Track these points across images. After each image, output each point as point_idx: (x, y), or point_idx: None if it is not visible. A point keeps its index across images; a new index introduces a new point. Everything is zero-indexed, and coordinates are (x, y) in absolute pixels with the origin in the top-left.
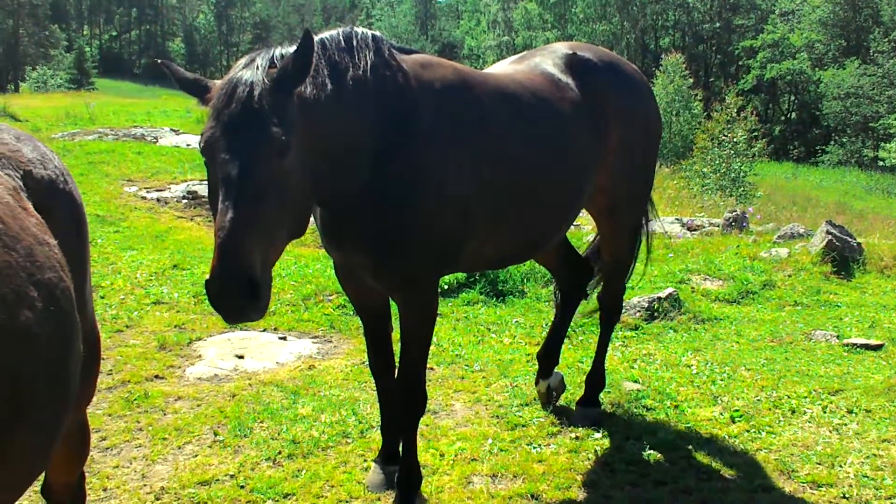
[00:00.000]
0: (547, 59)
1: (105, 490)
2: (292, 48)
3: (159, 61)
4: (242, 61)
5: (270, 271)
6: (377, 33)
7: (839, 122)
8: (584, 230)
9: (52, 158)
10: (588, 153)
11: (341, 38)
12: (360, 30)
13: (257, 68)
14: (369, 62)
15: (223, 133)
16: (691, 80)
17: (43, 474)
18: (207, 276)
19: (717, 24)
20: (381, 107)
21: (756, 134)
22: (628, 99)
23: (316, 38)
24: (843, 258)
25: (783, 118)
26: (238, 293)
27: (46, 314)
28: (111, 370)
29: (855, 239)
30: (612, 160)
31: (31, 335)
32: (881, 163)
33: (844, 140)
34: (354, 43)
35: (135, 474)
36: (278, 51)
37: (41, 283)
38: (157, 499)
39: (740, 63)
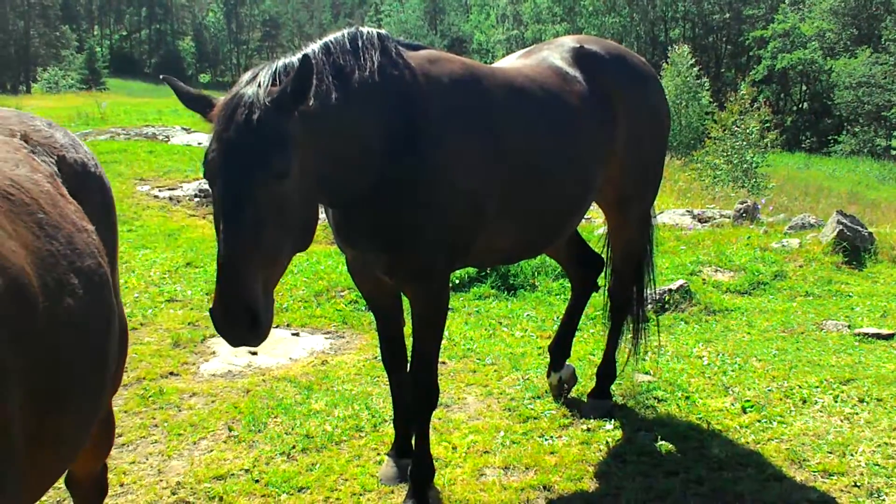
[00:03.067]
0: (555, 53)
1: (122, 485)
2: (295, 58)
3: (162, 77)
4: (246, 76)
5: (272, 292)
6: (383, 31)
7: (851, 111)
8: (594, 223)
9: (82, 144)
10: (597, 146)
11: (346, 40)
12: (365, 29)
13: (259, 86)
14: (376, 62)
15: (222, 158)
16: (696, 70)
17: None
18: (212, 305)
19: (727, 15)
20: (389, 105)
21: (769, 125)
22: (636, 91)
23: (320, 42)
24: (855, 248)
25: (795, 108)
26: (239, 323)
27: (86, 301)
28: (126, 367)
29: (866, 228)
30: (621, 152)
31: (73, 322)
32: (894, 152)
33: (857, 130)
34: (360, 44)
35: (151, 469)
36: (283, 63)
37: (81, 271)
38: (174, 493)
39: (751, 53)
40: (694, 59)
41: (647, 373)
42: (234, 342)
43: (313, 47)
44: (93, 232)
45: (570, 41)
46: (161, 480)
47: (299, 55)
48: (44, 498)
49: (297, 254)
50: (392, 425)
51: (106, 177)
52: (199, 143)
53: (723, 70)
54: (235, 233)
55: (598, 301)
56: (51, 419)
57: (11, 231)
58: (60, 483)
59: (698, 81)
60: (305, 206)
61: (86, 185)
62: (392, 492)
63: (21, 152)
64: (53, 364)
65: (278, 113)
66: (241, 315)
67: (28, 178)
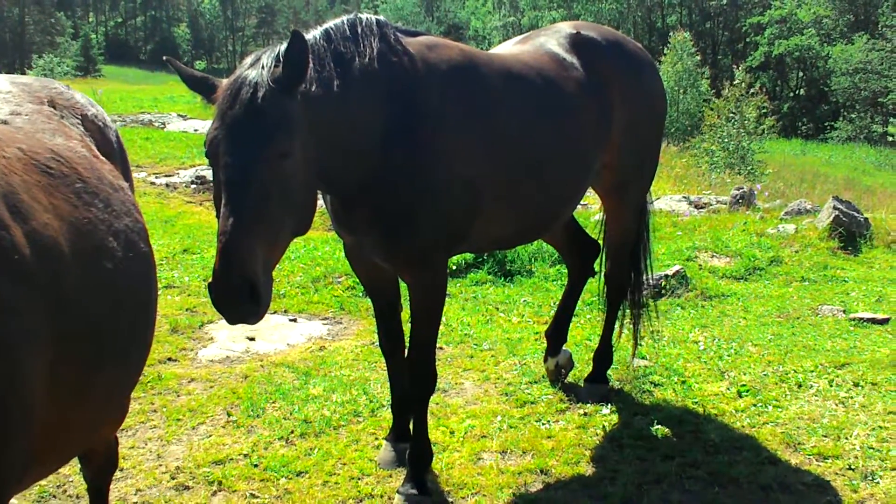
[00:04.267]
0: (552, 39)
1: (121, 470)
2: None
3: (165, 58)
4: (249, 59)
5: (271, 273)
6: (381, 18)
7: (848, 97)
8: (590, 209)
9: (95, 102)
10: (594, 132)
11: (346, 26)
12: (364, 16)
13: (262, 67)
14: (375, 49)
15: (226, 136)
16: (698, 58)
17: None
18: (210, 280)
19: (724, 1)
20: (388, 92)
21: (765, 111)
22: (633, 77)
23: (320, 29)
24: (850, 233)
25: (791, 95)
26: (238, 299)
27: (125, 259)
28: None
29: (862, 214)
30: (618, 138)
31: (111, 284)
32: (890, 138)
33: (853, 116)
34: (359, 30)
35: (150, 454)
36: (285, 46)
37: (119, 232)
38: (173, 478)
39: (748, 40)
40: (694, 47)
41: (643, 357)
42: (233, 318)
43: (314, 33)
44: (127, 188)
45: (566, 27)
46: (160, 465)
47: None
48: (43, 482)
49: (295, 240)
50: (390, 410)
51: (117, 128)
52: (196, 130)
53: (720, 57)
54: (238, 209)
55: (594, 286)
56: (97, 376)
57: (48, 204)
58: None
59: (700, 70)
60: (306, 189)
61: (106, 137)
62: (390, 476)
63: (53, 120)
64: (95, 325)
65: (282, 93)
66: (241, 289)
67: (65, 147)
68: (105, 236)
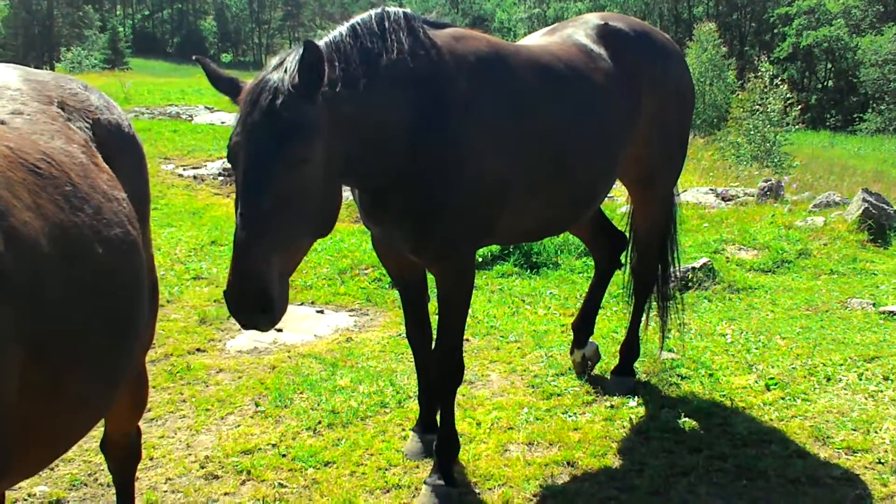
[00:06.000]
0: (579, 31)
1: (151, 459)
2: (322, 42)
3: (195, 57)
4: (274, 61)
5: (288, 279)
6: (409, 11)
7: (877, 89)
8: (617, 202)
9: (115, 105)
10: (622, 123)
11: (374, 22)
12: (392, 10)
13: (285, 71)
14: (405, 44)
15: (245, 142)
16: (725, 50)
17: (102, 430)
18: (225, 287)
19: None
20: (416, 86)
21: (791, 102)
22: (661, 68)
23: (347, 25)
24: (880, 226)
25: (819, 86)
26: (251, 308)
27: (112, 269)
28: (154, 344)
29: (892, 206)
30: (646, 130)
31: (97, 289)
32: None
33: (882, 108)
34: (387, 25)
35: (180, 444)
36: (299, 56)
37: (108, 240)
38: (202, 467)
39: (775, 31)
40: (721, 38)
41: (670, 350)
42: (246, 326)
43: (340, 30)
44: (124, 200)
45: (594, 18)
46: (190, 454)
47: (325, 39)
48: (74, 470)
49: None
50: (417, 401)
51: (138, 136)
52: (223, 122)
53: (746, 48)
54: (252, 218)
55: (620, 279)
56: (71, 379)
57: (31, 204)
58: (91, 456)
59: (727, 62)
60: (327, 192)
61: (120, 145)
62: (417, 467)
63: (57, 122)
64: (73, 328)
65: (302, 99)
66: (254, 300)
67: (62, 151)
68: (91, 243)
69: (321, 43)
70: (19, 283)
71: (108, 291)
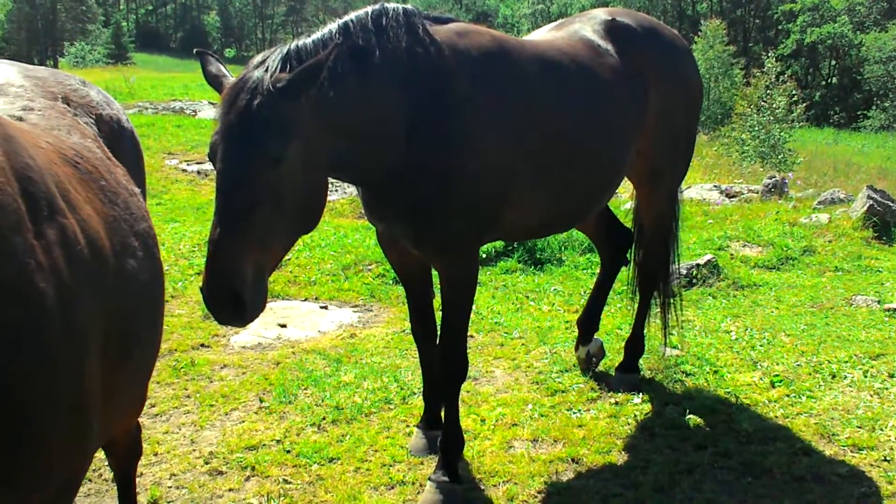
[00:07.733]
0: (586, 26)
1: (156, 455)
2: (310, 40)
3: (196, 50)
4: (257, 59)
5: (267, 275)
6: (409, 7)
7: (881, 86)
8: (621, 198)
9: (112, 99)
10: (629, 119)
11: (370, 19)
12: (391, 6)
13: (266, 70)
14: (402, 41)
15: (221, 140)
16: (732, 49)
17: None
18: (200, 283)
19: None
20: (413, 83)
21: (795, 99)
22: (668, 64)
23: (340, 22)
24: (885, 223)
25: (824, 83)
26: (222, 308)
27: (143, 260)
28: None
29: None
30: (653, 126)
31: (136, 280)
32: None
33: (887, 105)
34: (384, 22)
35: (184, 440)
36: (294, 46)
37: (139, 234)
38: (207, 463)
39: (780, 27)
40: (726, 35)
41: (674, 347)
42: (221, 321)
43: (331, 27)
44: (139, 195)
45: (601, 13)
46: (194, 450)
47: (313, 37)
48: None
49: (325, 227)
50: (421, 398)
51: (135, 129)
52: None
53: (751, 45)
54: (225, 217)
55: (624, 275)
56: (120, 370)
57: (85, 196)
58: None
59: (734, 60)
60: (309, 189)
61: (120, 140)
62: (421, 463)
63: (67, 117)
64: (124, 320)
65: (282, 99)
66: (225, 298)
67: (83, 146)
68: (128, 235)
69: (310, 41)
70: (93, 275)
71: (143, 281)
